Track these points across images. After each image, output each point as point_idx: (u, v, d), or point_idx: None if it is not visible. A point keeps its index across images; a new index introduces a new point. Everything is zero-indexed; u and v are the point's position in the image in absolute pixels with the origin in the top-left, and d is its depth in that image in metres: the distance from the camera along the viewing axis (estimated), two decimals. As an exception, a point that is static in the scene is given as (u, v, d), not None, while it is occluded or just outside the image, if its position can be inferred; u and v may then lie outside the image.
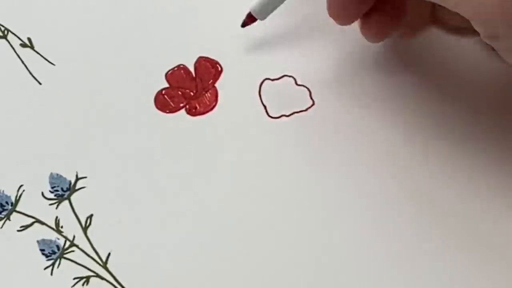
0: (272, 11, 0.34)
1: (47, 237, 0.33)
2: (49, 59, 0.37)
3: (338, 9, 0.30)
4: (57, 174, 0.34)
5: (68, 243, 0.33)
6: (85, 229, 0.33)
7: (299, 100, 0.35)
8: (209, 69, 0.36)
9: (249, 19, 0.35)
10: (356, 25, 0.32)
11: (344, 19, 0.31)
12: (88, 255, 0.33)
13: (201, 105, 0.35)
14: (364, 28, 0.32)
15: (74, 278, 0.32)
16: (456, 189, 0.32)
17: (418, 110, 0.34)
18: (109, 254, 0.33)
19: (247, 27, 0.35)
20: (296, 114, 0.34)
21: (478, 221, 0.32)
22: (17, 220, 0.34)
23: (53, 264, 0.33)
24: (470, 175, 0.32)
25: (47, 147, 0.35)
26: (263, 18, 0.34)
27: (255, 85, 0.35)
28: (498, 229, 0.32)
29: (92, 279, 0.32)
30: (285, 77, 0.35)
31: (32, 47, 0.37)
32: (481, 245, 0.31)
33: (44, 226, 0.33)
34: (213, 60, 0.36)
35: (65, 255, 0.33)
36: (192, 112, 0.35)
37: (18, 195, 0.34)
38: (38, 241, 0.33)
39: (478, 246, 0.31)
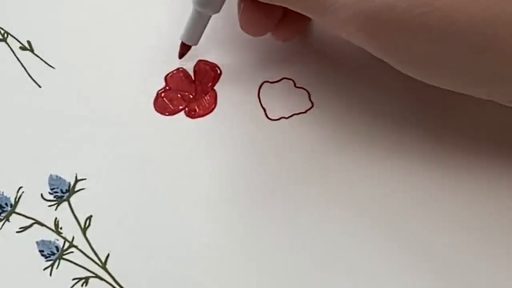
0: (201, 34, 0.35)
1: (46, 238, 0.33)
2: (48, 62, 0.37)
3: (250, 27, 0.33)
4: (57, 176, 0.34)
5: (67, 244, 0.33)
6: (84, 230, 0.33)
7: (298, 102, 0.35)
8: (208, 72, 0.36)
9: (184, 48, 0.36)
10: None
11: (257, 34, 0.33)
12: (87, 256, 0.33)
13: (200, 107, 0.36)
14: (275, 35, 0.34)
15: (73, 279, 0.32)
16: (458, 189, 0.32)
17: (419, 112, 0.34)
18: (108, 255, 0.33)
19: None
20: (295, 116, 0.35)
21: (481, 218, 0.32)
22: (16, 221, 0.34)
23: (52, 265, 0.33)
24: (472, 177, 0.33)
25: (46, 149, 0.35)
26: (196, 43, 0.35)
27: (254, 87, 0.35)
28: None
29: (91, 280, 0.32)
30: (284, 80, 0.35)
31: (31, 50, 0.37)
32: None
33: (43, 227, 0.33)
34: (212, 63, 0.36)
35: (64, 256, 0.33)
36: (191, 114, 0.35)
37: (18, 196, 0.34)
38: (37, 242, 0.33)
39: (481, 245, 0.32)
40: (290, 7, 0.30)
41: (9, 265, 0.33)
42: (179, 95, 0.36)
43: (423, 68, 0.28)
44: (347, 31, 0.28)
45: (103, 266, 0.32)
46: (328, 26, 0.29)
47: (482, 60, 0.26)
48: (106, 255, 0.33)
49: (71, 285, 0.32)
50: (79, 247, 0.33)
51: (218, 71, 0.36)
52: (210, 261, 0.32)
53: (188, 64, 0.36)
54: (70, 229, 0.33)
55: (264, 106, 0.35)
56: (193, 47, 0.35)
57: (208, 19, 0.34)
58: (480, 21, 0.25)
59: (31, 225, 0.34)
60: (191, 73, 0.36)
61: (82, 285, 0.32)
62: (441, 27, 0.25)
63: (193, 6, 0.33)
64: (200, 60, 0.36)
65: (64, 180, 0.34)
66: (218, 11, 0.34)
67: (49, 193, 0.34)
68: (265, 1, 0.30)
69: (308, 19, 0.31)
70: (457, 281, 0.31)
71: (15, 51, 0.38)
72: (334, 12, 0.28)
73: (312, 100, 0.35)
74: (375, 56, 0.29)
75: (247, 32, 0.33)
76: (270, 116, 0.35)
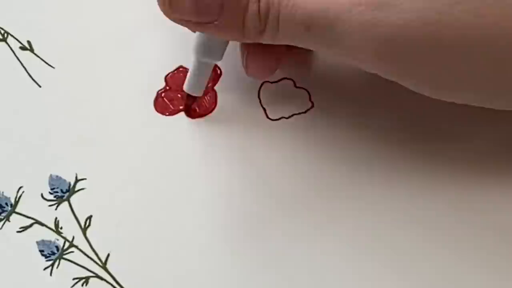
0: (206, 84, 0.34)
1: (46, 238, 0.33)
2: (48, 62, 0.37)
3: (257, 72, 0.33)
4: (57, 176, 0.34)
5: (67, 244, 0.33)
6: (84, 230, 0.33)
7: (299, 102, 0.35)
8: (208, 72, 0.36)
9: (190, 99, 0.35)
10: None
11: (263, 77, 0.34)
12: (88, 256, 0.33)
13: (201, 107, 0.36)
14: (281, 70, 0.34)
15: (74, 279, 0.32)
16: (457, 188, 0.32)
17: (418, 112, 0.34)
18: (108, 254, 0.33)
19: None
20: (295, 116, 0.35)
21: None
22: (16, 221, 0.34)
23: (52, 265, 0.33)
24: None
25: (46, 149, 0.35)
26: (200, 94, 0.34)
27: (255, 87, 0.35)
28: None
29: (91, 280, 0.32)
30: (284, 80, 0.35)
31: (31, 50, 0.37)
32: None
33: (43, 227, 0.33)
34: (212, 63, 0.36)
35: (64, 256, 0.33)
36: (191, 114, 0.35)
37: (18, 196, 0.34)
38: (37, 242, 0.33)
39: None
40: (298, 45, 0.29)
41: (9, 265, 0.33)
42: (179, 95, 0.36)
43: (440, 87, 0.28)
44: (359, 59, 0.28)
45: (104, 266, 0.32)
46: (337, 57, 0.29)
47: (500, 72, 0.26)
48: (106, 255, 0.33)
49: (71, 285, 0.32)
50: (79, 247, 0.33)
51: (219, 71, 0.36)
52: (210, 261, 0.32)
53: (188, 63, 0.36)
54: (70, 229, 0.33)
55: (264, 106, 0.35)
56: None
57: (212, 68, 0.33)
58: (494, 33, 0.25)
59: (31, 225, 0.34)
60: (191, 73, 0.36)
61: (82, 285, 0.32)
62: (455, 43, 0.25)
63: (194, 56, 0.33)
64: (200, 60, 0.36)
65: (64, 180, 0.34)
66: (220, 59, 0.33)
67: (49, 193, 0.34)
68: (272, 43, 0.29)
69: (307, 57, 0.31)
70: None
71: (15, 51, 0.38)
72: (342, 43, 0.27)
73: (312, 100, 0.35)
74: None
75: (254, 77, 0.33)
76: (270, 116, 0.35)
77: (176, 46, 0.36)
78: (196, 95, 0.34)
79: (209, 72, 0.33)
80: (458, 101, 0.29)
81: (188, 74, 0.34)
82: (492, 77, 0.26)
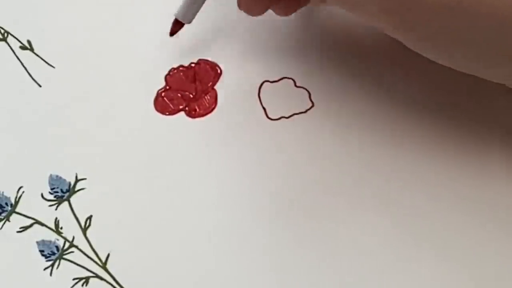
0: (196, 12, 0.35)
1: (46, 238, 0.33)
2: (48, 61, 0.37)
3: (248, 7, 0.32)
4: (57, 176, 0.34)
5: (67, 244, 0.33)
6: (84, 230, 0.33)
7: (299, 102, 0.35)
8: (208, 72, 0.36)
9: (177, 26, 0.35)
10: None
11: (255, 12, 0.33)
12: (88, 256, 0.33)
13: (201, 107, 0.35)
14: (275, 11, 0.33)
15: (74, 279, 0.32)
16: (456, 189, 0.32)
17: (419, 112, 0.34)
18: (108, 254, 0.33)
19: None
20: (295, 116, 0.35)
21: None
22: (16, 221, 0.34)
23: (52, 265, 0.33)
24: (472, 173, 0.33)
25: (46, 148, 0.35)
26: (190, 21, 0.35)
27: (255, 87, 0.35)
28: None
29: (91, 280, 0.32)
30: (285, 79, 0.35)
31: (32, 50, 0.38)
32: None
33: (43, 227, 0.33)
34: (212, 62, 0.36)
35: (64, 256, 0.33)
36: (191, 114, 0.35)
37: (18, 196, 0.34)
38: (37, 242, 0.33)
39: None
40: None
41: (9, 265, 0.33)
42: (179, 95, 0.36)
43: (441, 46, 0.28)
44: (365, 10, 0.28)
45: (103, 266, 0.32)
46: (347, 8, 0.29)
47: (502, 39, 0.26)
48: (106, 255, 0.33)
49: (71, 285, 0.32)
50: (80, 247, 0.33)
51: (219, 71, 0.36)
52: (210, 261, 0.32)
53: (188, 63, 0.36)
54: (70, 229, 0.33)
55: (264, 105, 0.35)
56: (193, 46, 0.35)
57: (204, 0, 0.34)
58: (500, 4, 0.25)
59: (31, 225, 0.34)
60: (191, 73, 0.36)
61: (82, 285, 0.32)
62: (460, 3, 0.25)
63: None
64: (200, 60, 0.36)
65: (64, 180, 0.34)
66: None
67: (49, 193, 0.34)
68: None
69: None
70: (466, 271, 0.31)
71: (15, 50, 0.38)
72: None
73: (312, 99, 0.35)
74: (389, 36, 0.28)
75: (245, 11, 0.33)
76: (270, 116, 0.35)
77: (175, 46, 0.36)
78: (184, 22, 0.35)
79: (201, 2, 0.34)
80: (458, 66, 0.29)
81: (182, 0, 0.34)
82: (494, 41, 0.26)
